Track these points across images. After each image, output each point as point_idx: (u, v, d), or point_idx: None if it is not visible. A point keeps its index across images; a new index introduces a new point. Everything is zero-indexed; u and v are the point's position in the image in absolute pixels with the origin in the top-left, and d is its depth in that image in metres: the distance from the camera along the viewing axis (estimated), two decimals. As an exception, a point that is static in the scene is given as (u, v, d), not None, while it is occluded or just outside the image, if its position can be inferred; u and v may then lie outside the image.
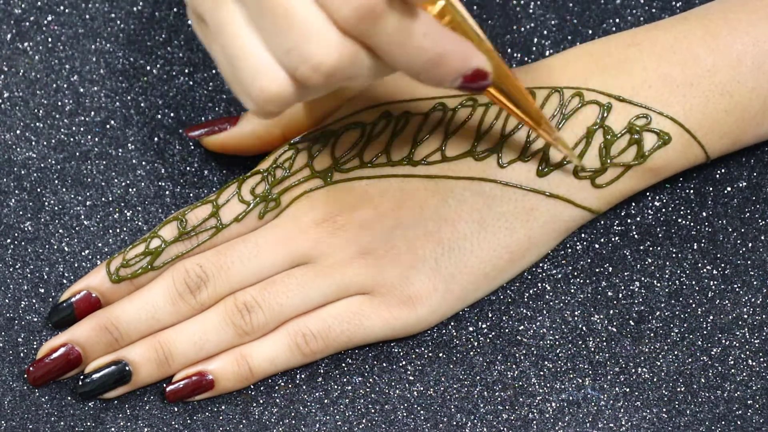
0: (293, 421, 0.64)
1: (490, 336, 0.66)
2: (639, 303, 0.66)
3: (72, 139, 0.68)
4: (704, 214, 0.67)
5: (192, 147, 0.68)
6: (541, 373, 0.65)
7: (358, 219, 0.63)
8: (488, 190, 0.63)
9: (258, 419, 0.64)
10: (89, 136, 0.68)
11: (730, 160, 0.67)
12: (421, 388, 0.65)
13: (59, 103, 0.69)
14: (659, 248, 0.67)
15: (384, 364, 0.65)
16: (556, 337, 0.65)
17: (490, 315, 0.66)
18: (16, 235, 0.67)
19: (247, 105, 0.53)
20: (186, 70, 0.69)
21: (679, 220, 0.67)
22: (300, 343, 0.63)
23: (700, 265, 0.66)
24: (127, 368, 0.64)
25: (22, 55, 0.69)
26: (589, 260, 0.66)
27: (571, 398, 0.64)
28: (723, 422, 0.64)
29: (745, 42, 0.63)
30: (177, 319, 0.64)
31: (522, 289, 0.66)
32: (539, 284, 0.66)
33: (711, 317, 0.66)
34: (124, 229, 0.67)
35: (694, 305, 0.66)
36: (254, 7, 0.50)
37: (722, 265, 0.66)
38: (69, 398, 0.65)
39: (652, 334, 0.65)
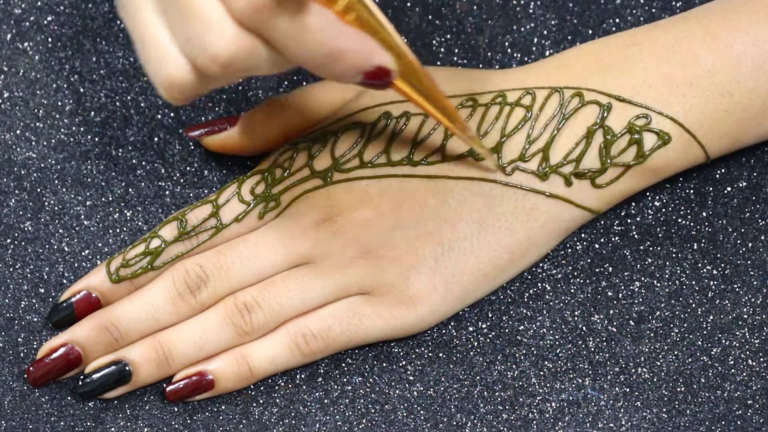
0: (293, 421, 0.64)
1: (490, 336, 0.66)
2: (639, 303, 0.66)
3: (72, 139, 0.68)
4: (704, 214, 0.67)
5: (192, 147, 0.68)
6: (541, 373, 0.65)
7: (358, 219, 0.63)
8: (488, 190, 0.63)
9: (258, 419, 0.64)
10: (89, 136, 0.68)
11: (730, 160, 0.67)
12: (421, 388, 0.65)
13: (59, 103, 0.69)
14: (659, 248, 0.67)
15: (384, 364, 0.65)
16: (556, 337, 0.65)
17: (490, 315, 0.66)
18: (16, 235, 0.67)
19: (157, 90, 0.54)
20: (186, 70, 0.69)
21: (679, 220, 0.67)
22: (300, 343, 0.63)
23: (700, 265, 0.66)
24: (127, 368, 0.64)
25: (22, 55, 0.69)
26: (589, 260, 0.66)
27: (571, 398, 0.64)
28: (723, 422, 0.64)
29: (745, 42, 0.63)
30: (177, 319, 0.64)
31: (522, 289, 0.66)
32: (539, 284, 0.66)
33: (711, 317, 0.66)
34: (124, 229, 0.67)
35: (694, 305, 0.66)
36: None
37: (722, 265, 0.66)
38: (69, 398, 0.65)
39: (652, 334, 0.65)
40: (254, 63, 0.52)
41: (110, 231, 0.67)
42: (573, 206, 0.64)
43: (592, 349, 0.65)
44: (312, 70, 0.53)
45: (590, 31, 0.69)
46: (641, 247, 0.67)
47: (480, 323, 0.66)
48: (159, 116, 0.69)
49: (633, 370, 0.65)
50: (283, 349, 0.64)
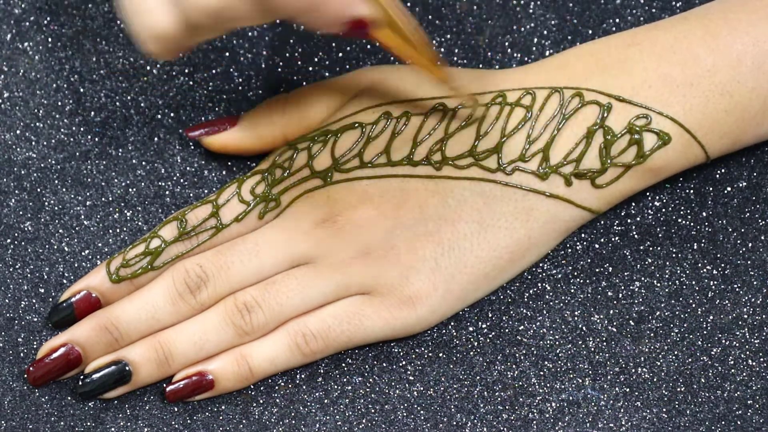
0: (293, 421, 0.64)
1: (490, 336, 0.66)
2: (639, 303, 0.66)
3: (72, 139, 0.68)
4: (704, 214, 0.67)
5: (192, 147, 0.68)
6: (541, 373, 0.65)
7: (358, 219, 0.63)
8: (488, 190, 0.63)
9: (258, 419, 0.64)
10: (89, 136, 0.68)
11: (730, 160, 0.67)
12: (421, 388, 0.65)
13: (59, 103, 0.69)
14: (659, 248, 0.67)
15: (384, 364, 0.65)
16: (556, 337, 0.65)
17: (490, 315, 0.66)
18: (16, 235, 0.67)
19: (143, 46, 0.56)
20: (186, 70, 0.69)
21: (679, 220, 0.67)
22: (300, 343, 0.63)
23: (700, 265, 0.66)
24: (127, 368, 0.64)
25: (22, 55, 0.69)
26: (589, 260, 0.66)
27: (571, 398, 0.64)
28: (723, 422, 0.64)
29: (745, 42, 0.63)
30: (177, 319, 0.64)
31: (522, 289, 0.66)
32: (539, 284, 0.66)
33: (711, 317, 0.66)
34: (124, 229, 0.67)
35: (694, 305, 0.66)
36: None
37: (722, 265, 0.66)
38: (69, 398, 0.65)
39: (652, 334, 0.65)
40: (239, 13, 0.54)
41: (110, 231, 0.67)
42: (573, 206, 0.64)
43: (592, 349, 0.65)
44: (294, 20, 0.54)
45: (590, 31, 0.69)
46: (641, 247, 0.67)
47: (480, 323, 0.66)
48: (159, 116, 0.69)
49: (633, 370, 0.65)
50: (283, 349, 0.64)
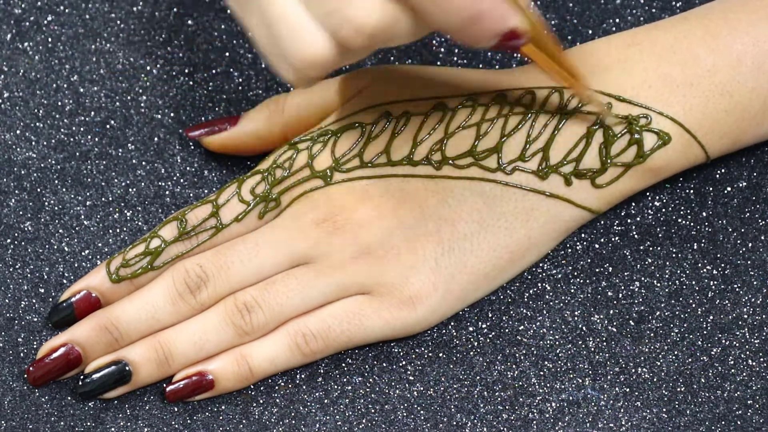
0: (293, 421, 0.64)
1: (490, 336, 0.66)
2: (639, 303, 0.66)
3: (72, 139, 0.68)
4: (704, 214, 0.67)
5: (192, 147, 0.68)
6: (541, 373, 0.65)
7: (358, 219, 0.63)
8: (488, 190, 0.63)
9: (258, 419, 0.64)
10: (89, 136, 0.68)
11: (730, 160, 0.67)
12: (421, 388, 0.65)
13: (59, 103, 0.69)
14: (659, 248, 0.67)
15: (384, 364, 0.65)
16: (556, 337, 0.65)
17: (490, 315, 0.66)
18: (16, 235, 0.67)
19: (286, 74, 0.53)
20: (186, 70, 0.69)
21: (679, 220, 0.67)
22: (300, 343, 0.63)
23: (700, 265, 0.66)
24: (127, 368, 0.64)
25: (22, 55, 0.69)
26: (589, 260, 0.66)
27: (571, 398, 0.64)
28: (723, 422, 0.64)
29: (745, 42, 0.63)
30: (177, 319, 0.64)
31: (522, 289, 0.66)
32: (539, 284, 0.66)
33: (711, 317, 0.66)
34: (124, 229, 0.67)
35: (694, 305, 0.66)
36: None
37: (722, 265, 0.66)
38: (69, 398, 0.65)
39: (652, 334, 0.65)
40: (396, 31, 0.52)
41: (110, 231, 0.67)
42: (573, 206, 0.64)
43: (592, 349, 0.65)
44: (450, 33, 0.53)
45: (590, 31, 0.69)
46: (641, 247, 0.67)
47: (480, 323, 0.66)
48: (159, 116, 0.69)
49: (633, 370, 0.65)
50: (283, 349, 0.64)
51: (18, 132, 0.68)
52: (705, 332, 0.65)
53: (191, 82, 0.69)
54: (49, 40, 0.69)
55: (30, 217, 0.67)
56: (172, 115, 0.69)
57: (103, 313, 0.64)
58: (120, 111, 0.69)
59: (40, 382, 0.64)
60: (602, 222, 0.67)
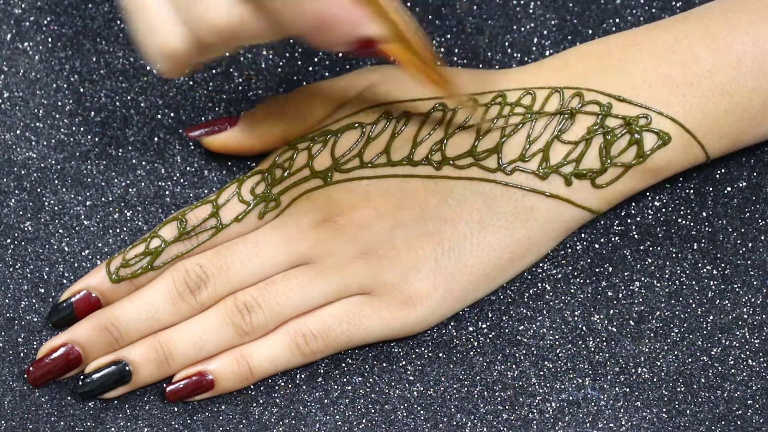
0: (293, 421, 0.64)
1: (490, 336, 0.66)
2: (639, 303, 0.66)
3: (72, 139, 0.68)
4: (704, 214, 0.67)
5: (192, 147, 0.68)
6: (541, 373, 0.65)
7: (358, 219, 0.63)
8: (488, 190, 0.63)
9: (258, 419, 0.64)
10: (89, 136, 0.68)
11: (730, 160, 0.67)
12: (421, 388, 0.65)
13: (59, 103, 0.69)
14: (659, 248, 0.67)
15: (384, 364, 0.65)
16: (556, 337, 0.65)
17: (490, 315, 0.66)
18: (16, 235, 0.67)
19: (152, 63, 0.56)
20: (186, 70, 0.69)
21: (679, 220, 0.67)
22: (300, 343, 0.63)
23: (700, 265, 0.66)
24: (127, 368, 0.64)
25: (22, 55, 0.69)
26: (589, 260, 0.66)
27: (571, 398, 0.64)
28: (723, 422, 0.64)
29: (745, 42, 0.63)
30: (177, 319, 0.64)
31: (522, 289, 0.66)
32: (539, 284, 0.66)
33: (711, 317, 0.66)
34: (124, 229, 0.67)
35: (694, 305, 0.66)
36: None
37: (722, 265, 0.66)
38: (69, 398, 0.65)
39: (652, 334, 0.65)
40: (249, 32, 0.54)
41: (110, 231, 0.67)
42: (573, 206, 0.64)
43: (592, 349, 0.65)
44: (303, 38, 0.54)
45: (590, 31, 0.69)
46: (641, 247, 0.67)
47: (480, 323, 0.66)
48: (159, 116, 0.69)
49: (633, 370, 0.65)
50: (283, 349, 0.64)
51: (18, 132, 0.68)
52: (705, 332, 0.65)
53: (191, 82, 0.69)
54: (49, 40, 0.69)
55: (30, 217, 0.67)
56: (172, 115, 0.69)
57: (103, 313, 0.64)
58: (120, 111, 0.69)
59: (40, 382, 0.64)
60: (602, 222, 0.67)
